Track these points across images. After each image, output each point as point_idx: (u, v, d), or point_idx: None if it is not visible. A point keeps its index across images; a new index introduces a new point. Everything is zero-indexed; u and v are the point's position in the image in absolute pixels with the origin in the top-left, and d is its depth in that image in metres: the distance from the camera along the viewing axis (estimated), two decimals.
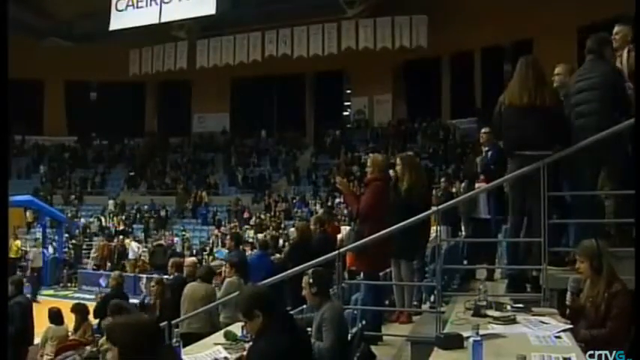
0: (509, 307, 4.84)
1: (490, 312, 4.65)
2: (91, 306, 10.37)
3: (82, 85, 36.21)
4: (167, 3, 29.71)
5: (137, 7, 30.56)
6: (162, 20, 29.96)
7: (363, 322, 6.45)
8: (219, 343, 5.32)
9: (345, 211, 23.44)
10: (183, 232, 28.24)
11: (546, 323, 4.30)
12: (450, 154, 28.61)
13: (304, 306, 6.17)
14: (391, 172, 7.48)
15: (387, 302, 7.40)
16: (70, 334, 9.64)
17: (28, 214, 28.99)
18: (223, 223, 28.82)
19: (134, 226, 30.46)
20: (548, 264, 5.26)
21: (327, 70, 33.19)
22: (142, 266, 23.48)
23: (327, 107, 35.29)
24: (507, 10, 26.08)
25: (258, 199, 30.85)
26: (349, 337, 4.97)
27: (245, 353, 4.49)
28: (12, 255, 23.39)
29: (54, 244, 25.93)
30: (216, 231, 27.34)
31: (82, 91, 36.41)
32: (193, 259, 13.10)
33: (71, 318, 9.79)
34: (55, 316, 9.77)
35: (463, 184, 9.62)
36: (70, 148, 36.78)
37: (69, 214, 30.13)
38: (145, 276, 20.64)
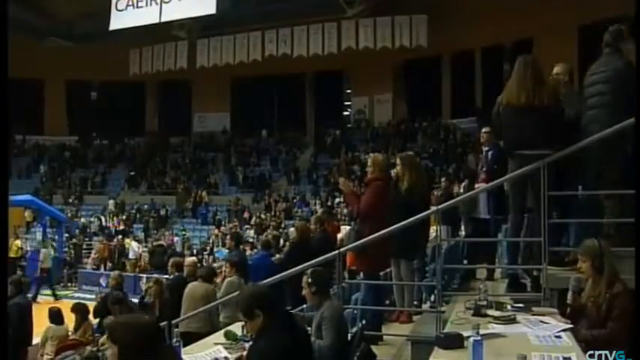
0: (509, 307, 4.84)
1: (490, 312, 4.65)
2: (91, 306, 10.37)
3: (83, 84, 36.15)
4: (167, 3, 29.68)
5: (137, 7, 30.52)
6: (163, 20, 29.92)
7: (363, 322, 6.45)
8: (219, 343, 5.31)
9: (345, 211, 23.44)
10: (184, 232, 28.24)
11: (546, 323, 4.30)
12: (451, 153, 28.60)
13: (304, 305, 6.17)
14: (392, 171, 7.48)
15: (387, 302, 7.40)
16: (70, 333, 9.65)
17: (26, 213, 28.98)
18: (223, 222, 28.82)
19: (134, 225, 30.45)
20: (548, 264, 5.26)
21: (328, 69, 33.19)
22: (142, 266, 23.49)
23: (328, 107, 35.28)
24: (508, 10, 26.06)
25: (259, 199, 30.84)
26: (349, 337, 4.97)
27: (245, 353, 4.49)
28: (12, 255, 23.42)
29: (54, 243, 25.90)
30: (216, 231, 27.33)
31: (82, 90, 36.34)
32: (193, 258, 13.10)
33: (71, 318, 9.79)
34: (55, 316, 9.78)
35: (463, 184, 9.63)
36: (71, 148, 36.78)
37: (69, 214, 30.14)
38: (145, 276, 20.64)
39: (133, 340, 2.85)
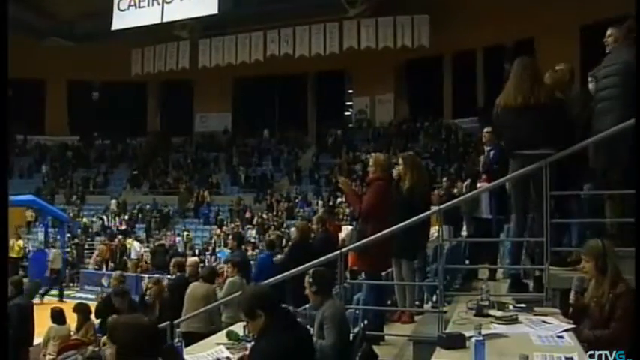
0: (511, 307, 4.85)
1: (492, 312, 4.65)
2: (93, 306, 10.38)
3: (84, 84, 36.18)
4: (169, 3, 29.67)
5: (139, 7, 30.53)
6: (165, 20, 29.91)
7: (365, 322, 6.45)
8: (221, 343, 5.32)
9: (347, 211, 23.44)
10: (186, 232, 28.25)
11: (548, 323, 4.30)
12: (452, 153, 28.60)
13: (306, 305, 6.17)
14: (393, 171, 7.47)
15: (389, 302, 7.39)
16: (72, 333, 9.65)
17: (27, 213, 29.00)
18: (225, 222, 28.83)
19: (136, 225, 30.47)
20: (550, 264, 5.26)
21: (329, 69, 33.20)
22: (143, 266, 23.48)
23: (329, 107, 35.30)
24: (509, 10, 26.04)
25: (260, 199, 30.87)
26: (351, 337, 4.97)
27: (247, 353, 4.49)
28: (14, 255, 23.45)
29: (56, 243, 25.91)
30: (218, 231, 27.33)
31: (84, 90, 36.36)
32: (195, 258, 13.12)
33: (73, 318, 9.80)
34: (58, 316, 9.79)
35: (465, 184, 9.62)
36: (73, 148, 36.79)
37: (71, 214, 30.16)
38: (146, 276, 20.61)
39: (132, 340, 2.86)
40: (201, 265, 14.15)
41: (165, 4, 29.76)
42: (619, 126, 5.16)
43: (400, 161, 7.34)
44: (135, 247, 25.18)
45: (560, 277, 5.18)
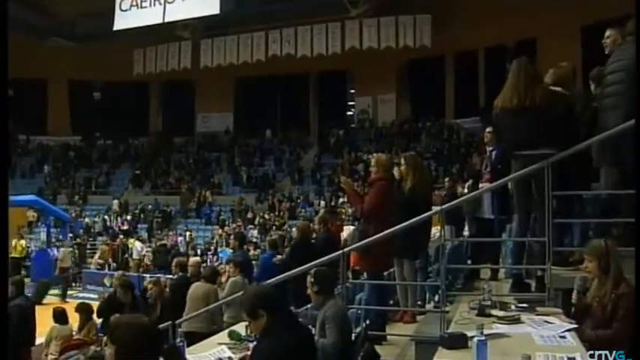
0: (513, 307, 4.84)
1: (494, 312, 4.65)
2: (95, 305, 10.39)
3: (86, 84, 36.25)
4: (171, 3, 29.67)
5: (141, 7, 30.54)
6: (166, 20, 29.90)
7: (367, 322, 6.44)
8: (223, 343, 5.32)
9: (349, 211, 23.44)
10: (188, 232, 28.25)
11: (551, 323, 4.30)
12: (454, 153, 28.60)
13: (308, 305, 6.17)
14: (395, 171, 7.47)
15: (391, 302, 7.39)
16: (74, 333, 9.67)
17: (29, 213, 29.05)
18: (227, 222, 28.84)
19: (138, 225, 30.49)
20: (552, 264, 5.25)
21: (331, 69, 33.19)
22: (145, 266, 23.50)
23: (331, 107, 35.28)
24: (511, 10, 26.04)
25: (262, 199, 30.88)
26: (353, 337, 4.97)
27: (249, 353, 4.49)
28: (17, 254, 23.51)
29: (58, 243, 25.96)
30: (220, 231, 27.34)
31: (85, 90, 36.42)
32: (197, 258, 13.13)
33: (75, 317, 9.81)
34: (60, 316, 9.80)
35: (467, 184, 9.61)
36: (75, 148, 36.85)
37: (73, 214, 30.20)
38: (148, 276, 20.65)
39: (132, 340, 2.86)
40: (204, 265, 14.15)
41: (166, 4, 29.76)
42: (621, 126, 5.15)
43: (402, 161, 7.34)
44: (137, 247, 25.19)
45: (562, 277, 5.17)
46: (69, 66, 33.50)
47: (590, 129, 5.63)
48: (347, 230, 12.82)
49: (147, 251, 24.86)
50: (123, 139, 37.26)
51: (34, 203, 27.24)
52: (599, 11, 21.21)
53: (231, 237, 19.55)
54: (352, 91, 35.38)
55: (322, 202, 28.14)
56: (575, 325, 4.20)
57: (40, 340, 9.63)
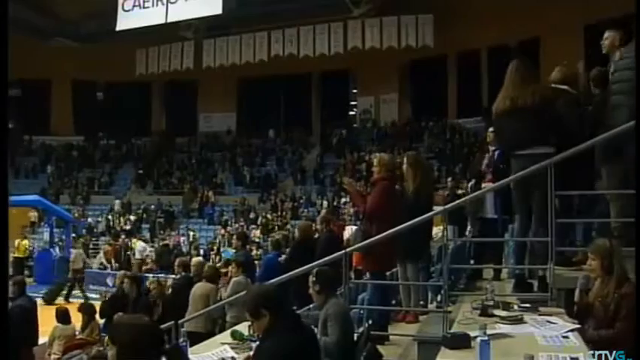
0: (516, 307, 4.84)
1: (497, 312, 4.65)
2: (98, 305, 10.41)
3: (89, 85, 36.32)
4: (173, 3, 29.71)
5: (144, 7, 30.58)
6: (169, 20, 29.94)
7: (370, 322, 6.44)
8: (226, 343, 5.33)
9: (352, 211, 23.43)
10: (190, 232, 28.26)
11: (553, 323, 4.29)
12: (457, 153, 28.54)
13: (311, 305, 6.17)
14: (397, 171, 7.47)
15: (393, 302, 7.39)
16: (77, 333, 9.69)
17: (31, 213, 29.07)
18: (230, 222, 28.84)
19: (141, 225, 30.50)
20: (555, 264, 5.24)
21: (334, 69, 33.16)
22: (148, 266, 23.48)
23: (334, 107, 35.27)
24: (513, 9, 25.99)
25: (265, 199, 30.88)
26: (356, 337, 4.97)
27: (252, 353, 4.50)
28: (20, 254, 23.57)
29: (60, 243, 25.99)
30: (222, 231, 27.35)
31: (88, 91, 36.51)
32: (200, 258, 13.14)
33: (78, 317, 9.83)
34: (63, 316, 9.81)
35: (470, 184, 9.59)
36: (77, 148, 36.87)
37: (76, 214, 30.22)
38: (150, 275, 20.64)
39: (132, 340, 2.86)
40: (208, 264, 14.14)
41: (169, 5, 29.80)
42: (623, 126, 5.14)
43: (405, 161, 7.34)
44: (139, 247, 25.19)
45: (565, 276, 5.17)
46: (72, 66, 33.55)
47: (594, 128, 5.62)
48: (350, 230, 12.79)
49: (150, 251, 24.86)
50: (125, 139, 37.28)
51: (36, 203, 27.27)
52: (602, 10, 21.16)
53: (234, 237, 19.57)
54: (355, 91, 35.34)
55: (325, 202, 28.12)
56: (578, 325, 4.20)
57: (42, 339, 9.64)
